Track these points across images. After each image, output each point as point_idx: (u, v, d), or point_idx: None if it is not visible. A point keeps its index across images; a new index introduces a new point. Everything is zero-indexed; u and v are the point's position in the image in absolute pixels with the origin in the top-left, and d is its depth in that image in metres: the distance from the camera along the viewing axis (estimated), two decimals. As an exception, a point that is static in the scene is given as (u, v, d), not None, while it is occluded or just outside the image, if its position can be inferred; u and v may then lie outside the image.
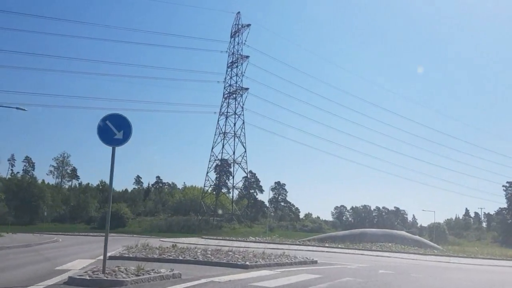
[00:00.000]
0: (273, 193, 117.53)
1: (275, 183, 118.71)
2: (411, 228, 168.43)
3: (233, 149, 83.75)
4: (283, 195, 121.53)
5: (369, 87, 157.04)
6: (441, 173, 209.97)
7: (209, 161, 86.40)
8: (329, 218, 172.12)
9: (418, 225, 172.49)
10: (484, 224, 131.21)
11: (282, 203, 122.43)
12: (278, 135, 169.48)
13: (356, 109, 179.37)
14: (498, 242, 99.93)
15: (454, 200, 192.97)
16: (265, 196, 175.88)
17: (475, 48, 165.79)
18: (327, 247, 39.04)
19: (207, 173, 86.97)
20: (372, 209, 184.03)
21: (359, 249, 38.29)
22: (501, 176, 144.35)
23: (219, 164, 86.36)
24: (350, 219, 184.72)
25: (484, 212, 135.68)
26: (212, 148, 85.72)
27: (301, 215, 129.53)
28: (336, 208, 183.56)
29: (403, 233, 50.55)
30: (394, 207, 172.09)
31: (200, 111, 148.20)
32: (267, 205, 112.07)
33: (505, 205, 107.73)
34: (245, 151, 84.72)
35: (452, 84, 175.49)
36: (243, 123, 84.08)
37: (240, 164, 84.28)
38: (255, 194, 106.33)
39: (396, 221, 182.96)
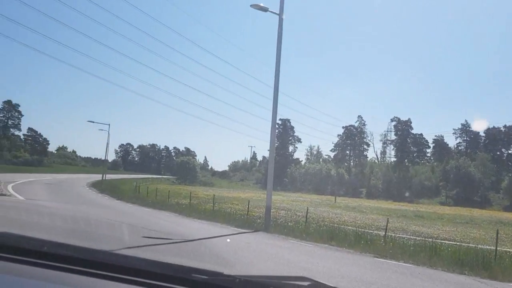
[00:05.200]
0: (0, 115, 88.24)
1: (4, 102, 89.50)
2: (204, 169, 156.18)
3: None
4: (15, 119, 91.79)
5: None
6: (227, 111, 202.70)
7: None
8: (111, 156, 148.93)
9: (209, 167, 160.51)
10: (257, 164, 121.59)
11: (14, 129, 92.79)
12: None
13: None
14: (261, 184, 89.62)
15: (242, 142, 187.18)
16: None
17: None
18: None
19: None
20: (161, 148, 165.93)
21: None
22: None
23: None
24: (136, 158, 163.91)
25: (255, 152, 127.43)
26: None
27: (53, 148, 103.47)
28: (121, 146, 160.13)
29: None
30: (185, 147, 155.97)
31: None
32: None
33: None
34: None
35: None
36: None
37: None
38: None
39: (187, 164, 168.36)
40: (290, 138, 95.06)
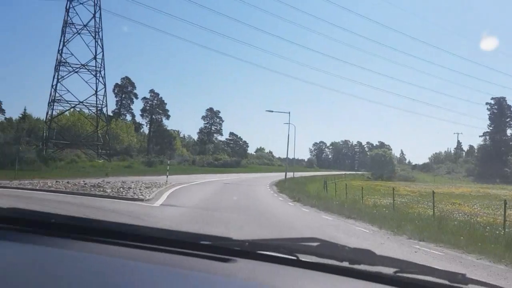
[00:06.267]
0: (204, 122, 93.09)
1: (207, 110, 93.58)
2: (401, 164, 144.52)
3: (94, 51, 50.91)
4: (217, 125, 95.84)
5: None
6: (426, 96, 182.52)
7: (56, 67, 50.61)
8: (306, 155, 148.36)
9: (406, 161, 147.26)
10: (464, 154, 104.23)
11: (216, 134, 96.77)
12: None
13: (325, 33, 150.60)
14: (473, 177, 74.40)
15: (444, 130, 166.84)
16: (180, 124, 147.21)
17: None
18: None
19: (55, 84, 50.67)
20: (353, 144, 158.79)
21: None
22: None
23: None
24: (329, 156, 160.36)
25: (459, 141, 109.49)
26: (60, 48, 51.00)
27: (252, 150, 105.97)
28: (315, 144, 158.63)
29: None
30: (379, 141, 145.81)
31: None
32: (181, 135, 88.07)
33: (487, 129, 79.38)
34: (102, 51, 52.28)
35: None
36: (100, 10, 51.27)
37: (99, 72, 51.57)
38: (160, 120, 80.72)
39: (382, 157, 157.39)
40: (508, 119, 77.20)
